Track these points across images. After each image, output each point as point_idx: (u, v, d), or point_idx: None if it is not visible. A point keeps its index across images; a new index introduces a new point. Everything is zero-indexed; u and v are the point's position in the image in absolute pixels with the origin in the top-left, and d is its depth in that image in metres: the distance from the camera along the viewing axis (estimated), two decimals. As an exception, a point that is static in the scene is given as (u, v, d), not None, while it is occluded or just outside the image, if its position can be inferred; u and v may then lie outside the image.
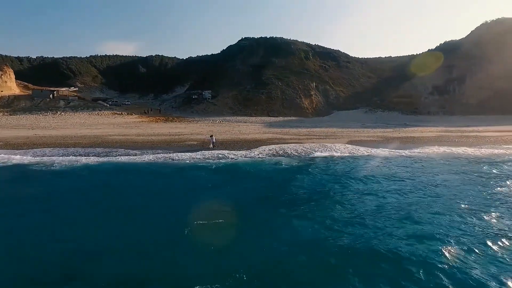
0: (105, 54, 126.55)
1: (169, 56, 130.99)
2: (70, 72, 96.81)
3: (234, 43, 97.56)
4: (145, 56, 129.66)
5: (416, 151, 24.34)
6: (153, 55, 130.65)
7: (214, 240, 8.85)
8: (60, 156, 21.11)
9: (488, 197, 12.87)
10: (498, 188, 14.09)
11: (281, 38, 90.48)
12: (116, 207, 12.10)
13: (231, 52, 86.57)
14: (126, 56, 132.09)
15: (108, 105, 58.06)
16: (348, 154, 23.65)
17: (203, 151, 23.56)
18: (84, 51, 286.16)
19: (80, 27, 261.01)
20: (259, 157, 22.01)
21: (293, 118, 56.83)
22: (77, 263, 7.86)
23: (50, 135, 31.03)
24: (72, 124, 41.11)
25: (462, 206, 11.57)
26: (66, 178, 16.32)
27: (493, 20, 70.34)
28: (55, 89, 57.33)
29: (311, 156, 23.02)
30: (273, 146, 26.77)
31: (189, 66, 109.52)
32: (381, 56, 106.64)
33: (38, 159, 20.04)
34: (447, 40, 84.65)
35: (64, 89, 61.83)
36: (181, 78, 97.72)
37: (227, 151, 23.62)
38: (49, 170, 17.61)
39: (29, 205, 12.16)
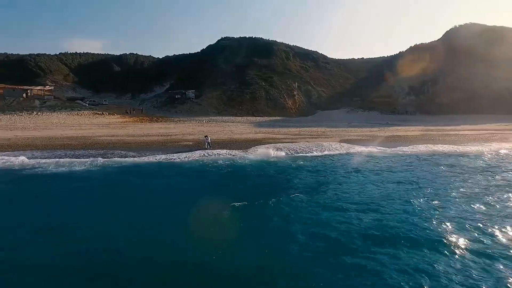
0: (76, 52, 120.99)
1: (144, 54, 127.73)
2: (39, 70, 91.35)
3: (213, 42, 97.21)
4: (118, 54, 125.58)
5: (409, 149, 25.55)
6: (127, 53, 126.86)
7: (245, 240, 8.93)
8: (53, 158, 19.97)
9: (492, 187, 13.91)
10: (497, 178, 15.32)
11: (261, 39, 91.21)
12: (147, 207, 11.88)
13: (212, 52, 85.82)
14: (98, 54, 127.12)
15: (87, 105, 55.53)
16: (345, 152, 24.36)
17: (207, 151, 23.32)
18: (48, 49, 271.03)
19: (42, 24, 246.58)
20: (263, 157, 22.10)
21: (278, 118, 57.41)
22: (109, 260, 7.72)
23: (34, 136, 29.22)
24: (52, 124, 38.95)
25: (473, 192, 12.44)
26: (77, 181, 15.56)
27: (461, 25, 75.29)
28: (29, 87, 53.90)
29: (311, 154, 23.46)
30: (270, 145, 26.97)
31: (167, 65, 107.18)
32: (354, 57, 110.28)
33: (33, 161, 18.88)
34: (417, 43, 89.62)
35: (38, 88, 58.31)
36: (159, 77, 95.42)
37: (227, 151, 23.49)
38: (52, 173, 16.70)
39: (59, 207, 11.63)
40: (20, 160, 18.84)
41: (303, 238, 8.96)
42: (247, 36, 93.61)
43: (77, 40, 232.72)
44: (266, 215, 11.13)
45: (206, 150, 24.55)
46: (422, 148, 26.10)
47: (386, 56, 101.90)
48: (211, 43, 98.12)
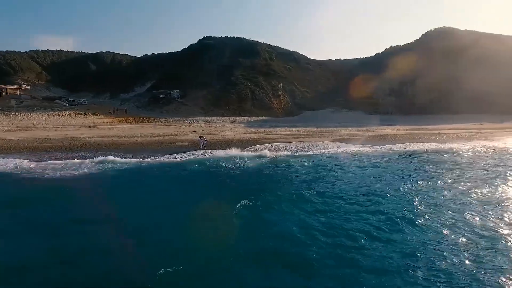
0: (48, 49, 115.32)
1: (121, 53, 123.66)
2: (9, 68, 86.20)
3: (194, 42, 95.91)
4: (94, 52, 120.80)
5: (400, 147, 26.72)
6: (103, 51, 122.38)
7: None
8: (47, 161, 19.04)
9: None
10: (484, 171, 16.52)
11: (244, 39, 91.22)
12: (163, 207, 11.76)
13: (195, 51, 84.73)
14: (72, 51, 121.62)
15: (67, 105, 53.19)
16: (341, 151, 25.02)
17: (207, 151, 23.24)
18: (17, 46, 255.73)
19: (7, 19, 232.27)
20: (264, 156, 22.22)
21: (265, 118, 57.78)
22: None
23: (18, 138, 27.69)
24: (34, 125, 37.02)
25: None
26: (83, 186, 15.02)
27: (436, 29, 79.40)
28: (3, 86, 50.82)
29: (310, 153, 23.98)
30: (266, 145, 27.23)
31: (146, 64, 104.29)
32: (331, 58, 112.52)
33: (32, 164, 18.00)
34: (393, 45, 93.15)
35: (14, 87, 55.12)
36: (140, 76, 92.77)
37: (225, 151, 23.34)
38: (53, 177, 16.03)
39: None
40: (16, 163, 17.92)
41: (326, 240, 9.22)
42: (228, 36, 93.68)
43: (45, 37, 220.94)
44: (282, 212, 11.40)
45: (203, 150, 24.42)
46: (411, 146, 27.39)
47: (363, 57, 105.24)
48: (193, 43, 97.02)
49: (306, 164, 19.93)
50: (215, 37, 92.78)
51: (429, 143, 29.00)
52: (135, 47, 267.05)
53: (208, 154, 22.68)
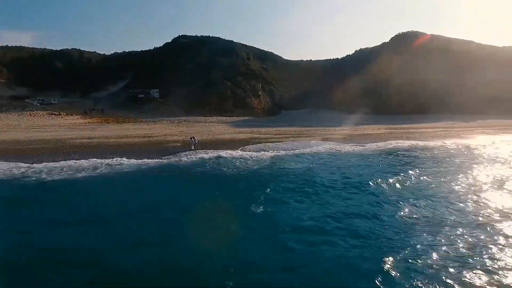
0: (7, 45, 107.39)
1: (88, 50, 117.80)
2: (-35, 64, 79.16)
3: (167, 40, 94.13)
4: (59, 49, 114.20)
5: (386, 145, 28.30)
6: (69, 48, 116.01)
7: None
8: (41, 163, 18.07)
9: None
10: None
11: (220, 38, 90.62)
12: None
13: (171, 50, 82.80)
14: (34, 48, 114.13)
15: (38, 105, 49.98)
16: (334, 150, 25.93)
17: (205, 152, 23.09)
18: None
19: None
20: (261, 156, 22.36)
21: (247, 118, 58.05)
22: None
23: (-5, 140, 25.79)
24: (5, 126, 34.57)
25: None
26: (87, 191, 14.54)
27: (404, 32, 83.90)
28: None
29: (304, 152, 24.56)
30: (261, 145, 27.58)
31: (119, 63, 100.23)
32: (302, 59, 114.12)
33: (22, 169, 16.96)
34: (363, 48, 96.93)
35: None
36: (112, 75, 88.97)
37: (221, 151, 23.31)
38: (54, 180, 15.30)
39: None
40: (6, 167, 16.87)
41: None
42: (203, 35, 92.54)
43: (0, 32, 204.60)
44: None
45: (198, 150, 24.21)
46: (394, 143, 29.19)
47: (333, 58, 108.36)
48: (168, 41, 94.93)
49: (310, 162, 20.54)
50: (191, 35, 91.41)
51: (411, 141, 31.09)
52: (101, 45, 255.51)
53: (208, 155, 22.44)
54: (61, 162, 18.55)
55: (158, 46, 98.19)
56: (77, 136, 29.52)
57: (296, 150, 24.76)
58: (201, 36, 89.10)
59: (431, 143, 29.69)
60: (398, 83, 67.34)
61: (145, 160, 20.03)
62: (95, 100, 72.49)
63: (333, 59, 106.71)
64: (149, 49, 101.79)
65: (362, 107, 64.13)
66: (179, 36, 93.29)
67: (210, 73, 67.18)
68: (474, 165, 19.51)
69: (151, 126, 40.39)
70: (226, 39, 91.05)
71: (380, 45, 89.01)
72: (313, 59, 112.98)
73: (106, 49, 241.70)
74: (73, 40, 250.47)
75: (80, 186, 14.74)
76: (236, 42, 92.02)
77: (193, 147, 25.39)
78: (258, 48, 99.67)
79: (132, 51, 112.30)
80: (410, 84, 65.48)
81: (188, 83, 63.52)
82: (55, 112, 45.47)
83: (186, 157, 21.34)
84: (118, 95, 68.95)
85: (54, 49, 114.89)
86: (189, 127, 41.13)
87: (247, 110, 62.42)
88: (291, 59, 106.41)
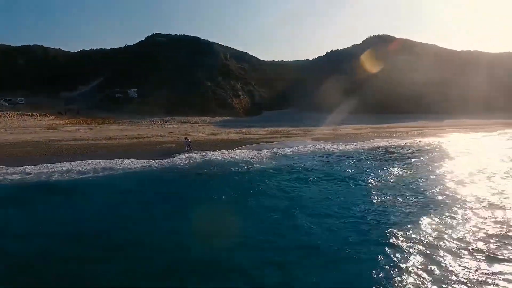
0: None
1: (52, 47, 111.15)
2: None
3: (142, 39, 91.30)
4: (20, 45, 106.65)
5: (373, 144, 29.71)
6: (31, 44, 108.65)
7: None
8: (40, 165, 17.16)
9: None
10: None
11: (199, 38, 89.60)
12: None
13: (147, 48, 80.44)
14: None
15: (7, 104, 46.52)
16: (327, 150, 26.70)
17: (217, 152, 23.02)
18: None
19: None
20: (260, 156, 22.52)
21: (229, 118, 57.98)
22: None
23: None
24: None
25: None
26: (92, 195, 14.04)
27: (375, 36, 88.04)
28: None
29: (301, 151, 25.17)
30: (256, 145, 27.77)
31: (88, 60, 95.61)
32: (274, 60, 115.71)
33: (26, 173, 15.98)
34: (334, 49, 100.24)
35: None
36: (82, 73, 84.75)
37: (218, 152, 23.30)
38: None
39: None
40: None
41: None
42: (178, 34, 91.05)
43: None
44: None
45: (194, 151, 24.00)
46: (380, 142, 30.67)
47: (302, 59, 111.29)
48: (141, 39, 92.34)
49: (314, 161, 21.09)
50: (167, 34, 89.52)
51: (393, 139, 32.85)
52: (63, 42, 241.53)
53: (208, 156, 22.25)
54: (55, 164, 17.62)
55: (129, 44, 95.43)
56: (62, 138, 28.07)
57: (294, 150, 25.25)
58: (179, 35, 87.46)
59: (413, 141, 31.68)
60: (374, 83, 70.60)
61: (147, 161, 19.55)
62: (66, 100, 68.76)
63: (304, 60, 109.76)
64: (120, 47, 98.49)
65: (341, 107, 66.40)
66: (154, 35, 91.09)
67: (191, 73, 66.22)
68: (466, 159, 21.35)
69: (137, 127, 39.15)
70: (202, 38, 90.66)
71: (351, 47, 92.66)
72: (284, 60, 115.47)
73: (72, 47, 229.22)
74: (33, 35, 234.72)
75: (95, 190, 14.16)
76: (214, 42, 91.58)
77: (186, 148, 25.06)
78: (234, 48, 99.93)
79: (101, 49, 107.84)
80: (386, 85, 68.84)
81: (168, 82, 62.19)
82: (27, 113, 42.63)
83: (187, 159, 21.06)
84: (93, 95, 65.96)
85: (15, 45, 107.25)
86: (174, 127, 40.40)
87: (228, 110, 62.32)
88: (265, 60, 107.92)
